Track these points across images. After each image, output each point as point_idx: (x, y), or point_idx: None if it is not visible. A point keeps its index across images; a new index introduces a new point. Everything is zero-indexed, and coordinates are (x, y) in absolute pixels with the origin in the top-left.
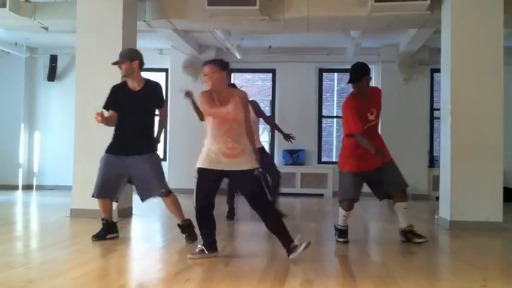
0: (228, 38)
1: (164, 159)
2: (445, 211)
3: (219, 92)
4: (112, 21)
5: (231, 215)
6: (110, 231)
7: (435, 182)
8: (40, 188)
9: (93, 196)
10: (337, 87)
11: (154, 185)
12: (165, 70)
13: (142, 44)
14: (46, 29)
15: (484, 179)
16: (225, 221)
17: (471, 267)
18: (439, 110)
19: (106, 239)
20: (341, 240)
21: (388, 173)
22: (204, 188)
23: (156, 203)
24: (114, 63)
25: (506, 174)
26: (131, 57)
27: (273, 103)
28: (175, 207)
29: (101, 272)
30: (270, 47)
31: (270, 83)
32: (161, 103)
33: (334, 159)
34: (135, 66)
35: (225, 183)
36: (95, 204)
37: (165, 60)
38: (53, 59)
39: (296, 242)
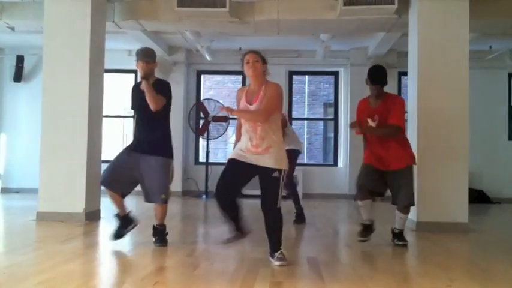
0: (198, 39)
1: None
2: (411, 212)
3: (254, 86)
4: (80, 21)
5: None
6: (128, 224)
7: None
8: (6, 190)
9: (100, 182)
10: (307, 89)
11: (156, 190)
12: (134, 71)
13: (111, 45)
14: (12, 28)
15: (450, 180)
16: (192, 224)
17: (437, 267)
18: (406, 112)
19: (126, 234)
20: (360, 239)
21: (398, 182)
22: (225, 174)
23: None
24: (140, 61)
25: (471, 175)
26: (155, 58)
27: None
28: (162, 213)
29: (68, 277)
30: (240, 49)
31: (240, 85)
32: (167, 103)
33: (304, 161)
34: (155, 67)
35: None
36: (61, 207)
37: (133, 61)
38: (20, 59)
39: (278, 255)
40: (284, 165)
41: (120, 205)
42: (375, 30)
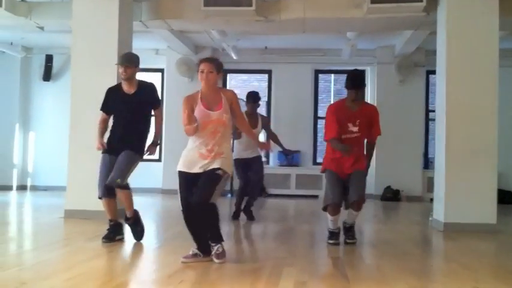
0: (224, 38)
1: (159, 160)
2: (439, 213)
3: (209, 93)
4: (108, 21)
5: (236, 215)
6: (118, 233)
7: (430, 184)
8: (34, 188)
9: (99, 197)
10: (333, 88)
11: (114, 172)
12: (161, 70)
13: (138, 45)
14: (42, 28)
15: (479, 181)
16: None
17: (463, 268)
18: (434, 111)
19: (116, 240)
20: (331, 242)
21: (352, 180)
22: (185, 191)
23: (151, 204)
24: (120, 65)
25: (500, 176)
26: (136, 63)
27: (268, 104)
28: (127, 201)
29: (95, 274)
30: (266, 47)
31: (265, 84)
32: (156, 103)
33: None
34: (137, 72)
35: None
36: (89, 205)
37: (160, 60)
38: (49, 58)
39: (216, 249)
40: (230, 170)
41: (114, 211)
42: (403, 28)
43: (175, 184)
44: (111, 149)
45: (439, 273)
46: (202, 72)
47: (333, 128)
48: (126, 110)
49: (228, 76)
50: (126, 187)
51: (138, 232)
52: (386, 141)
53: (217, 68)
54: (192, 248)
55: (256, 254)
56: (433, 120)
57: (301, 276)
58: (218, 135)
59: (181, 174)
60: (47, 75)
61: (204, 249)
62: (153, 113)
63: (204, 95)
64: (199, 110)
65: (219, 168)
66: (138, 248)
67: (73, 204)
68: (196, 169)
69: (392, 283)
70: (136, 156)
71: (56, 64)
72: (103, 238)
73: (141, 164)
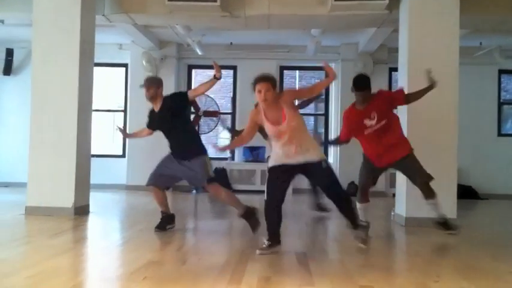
0: (189, 33)
1: (123, 156)
2: (400, 208)
3: (270, 109)
4: (70, 15)
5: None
6: (169, 222)
7: (392, 179)
8: None
9: (146, 185)
10: (298, 84)
11: (199, 179)
12: (125, 65)
13: (101, 39)
14: (2, 22)
15: (439, 176)
16: (182, 219)
17: (425, 262)
18: (396, 108)
19: (166, 230)
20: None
21: (405, 168)
22: (272, 184)
23: (115, 201)
24: (143, 87)
25: (459, 171)
26: (157, 83)
27: (234, 100)
28: (223, 197)
29: (56, 271)
30: (231, 43)
31: (231, 80)
32: (184, 99)
33: None
34: (160, 92)
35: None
36: (50, 202)
37: (124, 55)
38: (9, 52)
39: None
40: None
41: (164, 203)
42: (366, 25)
43: (139, 180)
44: (174, 155)
45: (402, 267)
46: (259, 92)
47: (343, 132)
48: (164, 126)
49: (193, 72)
50: (211, 180)
51: (254, 224)
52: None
53: (274, 84)
54: (264, 239)
55: (220, 250)
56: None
57: (265, 271)
58: (295, 139)
59: (271, 169)
60: (7, 70)
61: (275, 239)
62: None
63: (267, 111)
64: (268, 127)
65: (323, 161)
66: (101, 245)
67: (34, 200)
68: (291, 161)
69: (356, 278)
70: (204, 156)
71: (16, 58)
72: (155, 228)
73: (104, 160)
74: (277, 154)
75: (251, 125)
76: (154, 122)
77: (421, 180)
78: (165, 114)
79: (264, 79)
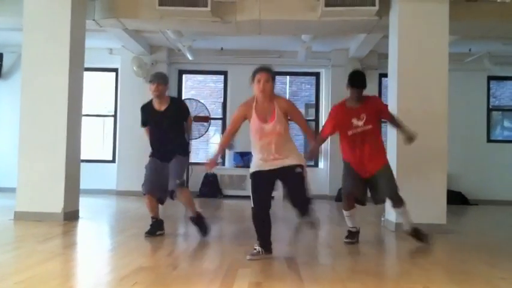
0: (180, 38)
1: (113, 161)
2: (390, 213)
3: (263, 103)
4: (60, 19)
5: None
6: (159, 228)
7: None
8: None
9: (143, 194)
10: (288, 90)
11: (173, 176)
12: (115, 70)
13: (91, 44)
14: None
15: (429, 182)
16: (172, 224)
17: (416, 268)
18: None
19: (156, 235)
20: (346, 241)
21: (379, 178)
22: (256, 191)
23: (105, 206)
24: (152, 82)
25: (450, 177)
26: (167, 81)
27: (224, 105)
28: (188, 200)
29: (46, 276)
30: (222, 48)
31: (221, 85)
32: (188, 117)
33: None
34: (167, 89)
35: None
36: (40, 207)
37: (115, 60)
38: None
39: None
40: (303, 161)
41: (155, 209)
42: (356, 31)
43: (129, 185)
44: (158, 156)
45: (392, 272)
46: (259, 81)
47: (325, 128)
48: (159, 126)
49: (184, 77)
50: (184, 185)
51: (204, 229)
52: (339, 144)
53: (273, 76)
54: (255, 245)
55: (211, 255)
56: (385, 122)
57: (256, 277)
58: (272, 147)
59: (253, 174)
60: None
61: (267, 247)
62: None
63: (259, 105)
64: (253, 122)
65: (298, 166)
66: (91, 251)
67: (24, 206)
68: (270, 166)
69: (347, 283)
70: (185, 158)
71: (6, 62)
72: (145, 233)
73: (94, 165)
74: (256, 158)
75: (237, 119)
76: (152, 119)
77: (393, 189)
78: (170, 115)
79: (265, 69)
